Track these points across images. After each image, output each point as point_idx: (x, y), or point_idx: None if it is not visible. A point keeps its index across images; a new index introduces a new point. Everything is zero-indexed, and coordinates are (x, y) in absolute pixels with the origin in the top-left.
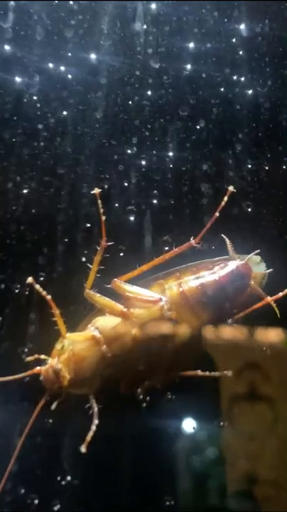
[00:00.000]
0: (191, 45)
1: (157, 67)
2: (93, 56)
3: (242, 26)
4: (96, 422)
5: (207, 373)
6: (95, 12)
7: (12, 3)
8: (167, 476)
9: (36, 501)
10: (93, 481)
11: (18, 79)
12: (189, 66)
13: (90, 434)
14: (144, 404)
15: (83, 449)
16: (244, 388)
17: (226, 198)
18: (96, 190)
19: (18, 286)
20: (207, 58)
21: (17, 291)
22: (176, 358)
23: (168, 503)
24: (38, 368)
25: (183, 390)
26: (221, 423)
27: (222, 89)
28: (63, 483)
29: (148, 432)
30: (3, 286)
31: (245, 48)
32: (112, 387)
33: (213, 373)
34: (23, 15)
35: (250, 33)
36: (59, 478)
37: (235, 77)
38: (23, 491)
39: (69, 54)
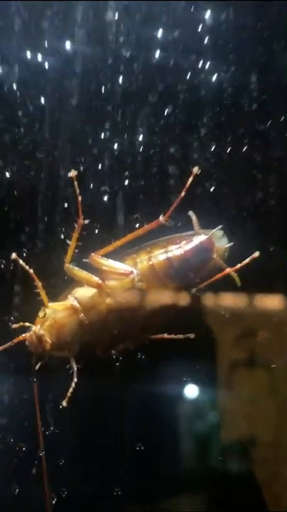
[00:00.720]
0: (159, 33)
1: (127, 55)
2: (68, 45)
3: (207, 14)
4: (75, 380)
5: (173, 336)
6: (69, 1)
7: None
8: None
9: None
10: (75, 432)
11: None
12: (157, 54)
13: (70, 390)
14: (117, 364)
15: (64, 403)
16: (243, 354)
17: (191, 179)
18: (73, 173)
19: (3, 261)
20: (175, 46)
21: (2, 266)
22: (146, 323)
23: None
24: (23, 334)
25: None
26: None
27: (188, 76)
28: (47, 433)
29: (148, 397)
30: None
31: (210, 36)
32: (90, 350)
33: (176, 336)
34: (2, 6)
35: (215, 21)
36: (43, 428)
37: (200, 64)
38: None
39: (46, 43)
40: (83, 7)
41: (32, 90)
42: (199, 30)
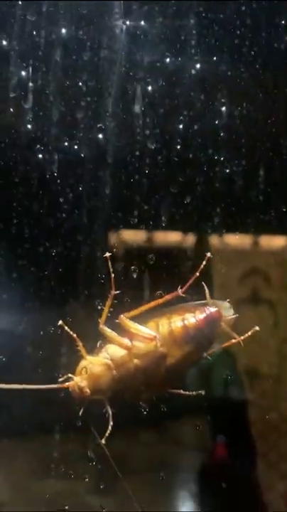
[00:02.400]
0: (181, 126)
1: (153, 147)
2: (100, 136)
3: (223, 108)
4: (111, 423)
5: (187, 393)
6: (101, 94)
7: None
8: None
9: None
10: None
11: (40, 156)
12: (178, 147)
13: (108, 431)
14: (145, 412)
15: (103, 441)
16: (247, 292)
17: (204, 262)
18: (107, 255)
19: (52, 328)
20: (193, 139)
21: (51, 331)
22: (165, 380)
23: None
24: (67, 383)
25: None
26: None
27: (205, 168)
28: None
29: None
30: (41, 330)
31: (226, 130)
32: (120, 396)
33: (189, 393)
34: (41, 96)
35: (231, 115)
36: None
37: (216, 157)
38: None
39: (81, 134)
40: (113, 99)
41: (71, 179)
42: (217, 123)
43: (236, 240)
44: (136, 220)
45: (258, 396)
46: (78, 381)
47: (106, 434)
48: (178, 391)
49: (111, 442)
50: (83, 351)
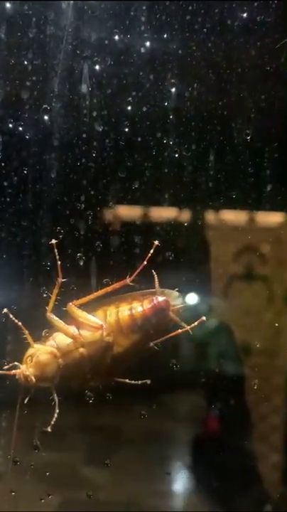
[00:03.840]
0: (129, 108)
1: (100, 130)
2: (46, 117)
3: (173, 89)
4: (57, 410)
5: (132, 381)
6: (46, 73)
7: None
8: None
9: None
10: None
11: None
12: (126, 129)
13: (53, 419)
14: (91, 401)
15: (49, 429)
16: (241, 269)
17: (152, 251)
18: (53, 241)
19: None
20: (142, 122)
21: None
22: (110, 368)
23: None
24: (13, 371)
25: None
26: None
27: (154, 153)
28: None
29: None
30: None
31: (174, 113)
32: (66, 384)
33: (135, 382)
34: None
35: (180, 97)
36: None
37: (165, 141)
38: None
39: (26, 115)
40: (59, 79)
41: (15, 162)
42: (166, 105)
43: (231, 215)
44: (83, 205)
45: (252, 369)
46: (24, 369)
47: (52, 422)
48: (123, 380)
49: (104, 415)
50: (29, 339)
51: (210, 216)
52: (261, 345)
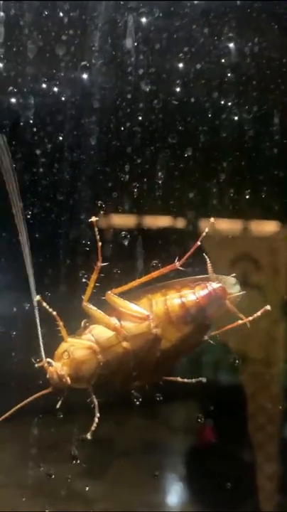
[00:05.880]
0: (181, 65)
1: (147, 90)
2: (85, 76)
3: (231, 45)
4: (97, 414)
5: (185, 380)
6: (86, 26)
7: (1, 14)
8: None
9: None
10: None
11: (13, 100)
12: (178, 89)
13: (94, 424)
14: (137, 402)
15: (88, 436)
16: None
17: (207, 229)
18: (93, 219)
19: (28, 304)
20: (196, 81)
21: (27, 308)
22: (159, 365)
23: None
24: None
25: None
26: None
27: (210, 115)
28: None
29: None
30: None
31: (233, 70)
32: (107, 383)
33: (189, 380)
34: (14, 28)
35: (239, 54)
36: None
37: (222, 102)
38: None
39: (62, 74)
40: (100, 33)
41: (49, 127)
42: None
43: (227, 224)
44: (127, 176)
45: (248, 378)
46: (57, 367)
47: (92, 428)
48: (175, 378)
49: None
50: (64, 332)
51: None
52: (257, 354)
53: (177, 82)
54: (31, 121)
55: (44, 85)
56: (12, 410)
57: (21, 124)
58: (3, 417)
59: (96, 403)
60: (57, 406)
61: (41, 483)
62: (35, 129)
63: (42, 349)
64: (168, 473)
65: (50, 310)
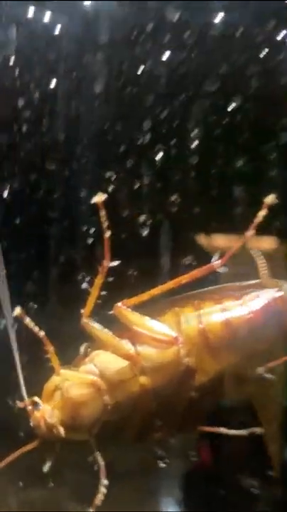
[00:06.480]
0: None
1: (175, 19)
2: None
3: None
4: (105, 481)
5: (234, 432)
6: None
7: None
8: None
9: None
10: None
11: None
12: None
13: (99, 497)
14: (163, 464)
15: (91, 510)
16: None
17: (263, 212)
18: (100, 197)
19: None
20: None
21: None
22: (192, 411)
23: None
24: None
25: None
26: None
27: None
28: None
29: None
30: None
31: None
32: (116, 435)
33: (239, 432)
34: None
35: None
36: None
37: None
38: None
39: None
40: None
41: (38, 68)
42: None
43: (224, 239)
44: (147, 138)
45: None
46: (46, 411)
47: (97, 503)
48: (216, 429)
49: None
50: (55, 361)
51: None
52: (255, 372)
53: None
54: None
55: None
56: None
57: None
58: None
59: (102, 464)
60: (45, 469)
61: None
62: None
63: (22, 385)
64: (165, 496)
65: (36, 329)
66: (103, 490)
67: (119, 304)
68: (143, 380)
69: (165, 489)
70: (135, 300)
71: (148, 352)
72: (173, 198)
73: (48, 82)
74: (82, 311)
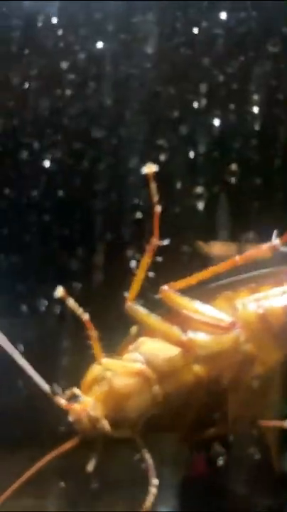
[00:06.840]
0: None
1: None
2: None
3: None
4: (155, 481)
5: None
6: None
7: None
8: None
9: None
10: None
11: None
12: None
13: (150, 499)
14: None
15: None
16: None
17: None
18: (150, 168)
19: (45, 302)
20: None
21: (43, 308)
22: (252, 403)
23: None
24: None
25: None
26: None
27: None
28: None
29: None
30: (24, 303)
31: None
32: (162, 430)
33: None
34: None
35: None
36: None
37: None
38: None
39: None
40: None
41: (82, 29)
42: None
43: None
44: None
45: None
46: (87, 404)
47: (148, 504)
48: (280, 423)
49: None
50: (97, 348)
51: None
52: (249, 383)
53: None
54: None
55: None
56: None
57: None
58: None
59: (151, 463)
60: (90, 468)
61: None
62: None
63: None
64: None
65: (80, 311)
66: (153, 490)
67: (166, 286)
68: (197, 368)
69: (159, 499)
70: (185, 282)
71: (203, 340)
72: (232, 168)
73: (95, 43)
74: (126, 294)
